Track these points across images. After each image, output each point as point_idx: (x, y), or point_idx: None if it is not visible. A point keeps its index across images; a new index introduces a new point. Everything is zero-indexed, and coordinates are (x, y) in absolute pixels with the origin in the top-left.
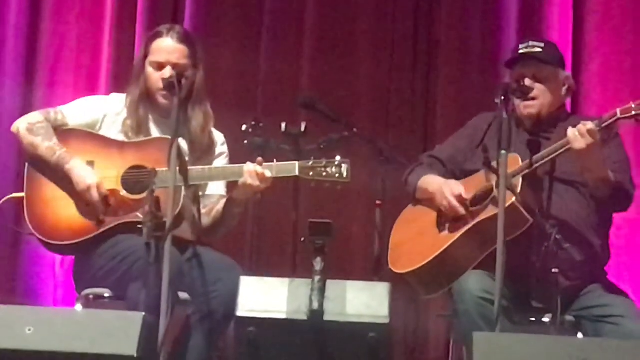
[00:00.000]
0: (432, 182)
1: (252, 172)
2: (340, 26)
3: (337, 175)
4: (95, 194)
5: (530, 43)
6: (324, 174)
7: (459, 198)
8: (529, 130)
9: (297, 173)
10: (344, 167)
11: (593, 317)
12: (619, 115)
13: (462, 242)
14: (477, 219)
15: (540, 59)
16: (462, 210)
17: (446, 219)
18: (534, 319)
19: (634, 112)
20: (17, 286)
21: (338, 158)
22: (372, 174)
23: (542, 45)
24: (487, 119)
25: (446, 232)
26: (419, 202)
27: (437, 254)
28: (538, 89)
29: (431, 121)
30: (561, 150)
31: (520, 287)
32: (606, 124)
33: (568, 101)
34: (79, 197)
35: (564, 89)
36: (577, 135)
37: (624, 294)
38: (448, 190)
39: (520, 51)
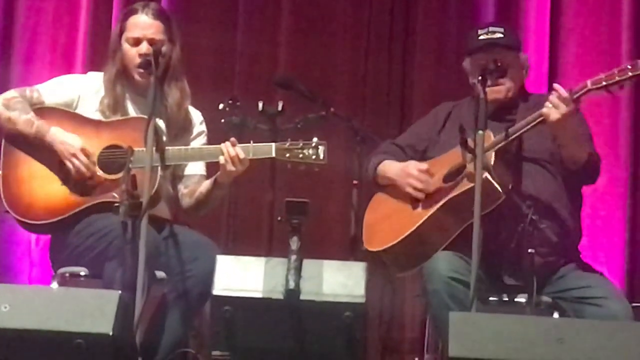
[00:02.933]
0: (392, 167)
1: (227, 158)
2: (318, 6)
3: (313, 157)
4: (82, 158)
5: (490, 29)
6: (301, 155)
7: (424, 175)
8: (492, 115)
9: (273, 154)
10: (321, 148)
11: (573, 298)
12: (589, 86)
13: (437, 218)
14: (451, 195)
15: (504, 44)
16: (429, 187)
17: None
18: (508, 299)
19: (604, 83)
20: None
21: (315, 139)
22: (348, 154)
23: (502, 30)
24: (447, 107)
25: (420, 209)
26: (383, 187)
27: (411, 230)
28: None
29: (407, 103)
30: (534, 123)
31: (493, 266)
32: (577, 95)
33: (545, 83)
34: (61, 169)
35: (524, 72)
36: (551, 106)
37: (601, 274)
38: (412, 169)
39: (481, 37)
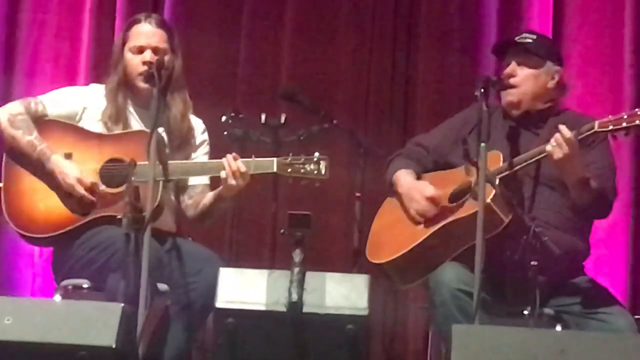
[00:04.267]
0: (402, 183)
1: (228, 172)
2: (320, 16)
3: (315, 172)
4: (79, 189)
5: (524, 35)
6: (302, 170)
7: (426, 202)
8: (516, 122)
9: (275, 169)
10: (323, 163)
11: (577, 312)
12: (596, 128)
13: (437, 238)
14: (452, 217)
15: (527, 48)
16: (433, 211)
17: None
18: (512, 311)
19: (611, 127)
20: None
21: (316, 154)
22: (351, 166)
23: (535, 37)
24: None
25: (422, 226)
26: (396, 194)
27: (411, 247)
28: (520, 76)
29: (410, 115)
30: (539, 157)
31: (497, 279)
32: (582, 136)
33: None
34: (62, 191)
35: (551, 83)
36: (555, 145)
37: (605, 289)
38: (417, 194)
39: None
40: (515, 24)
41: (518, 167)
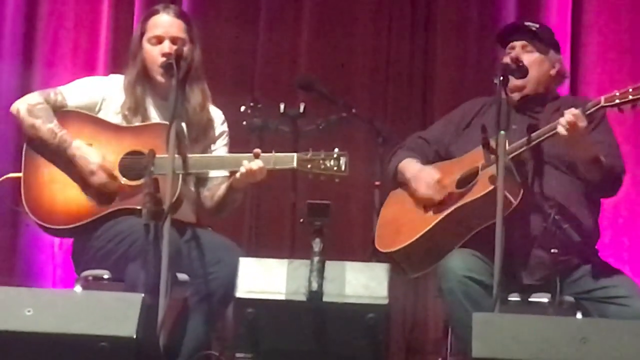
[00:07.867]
0: (409, 168)
1: (248, 169)
2: (339, 6)
3: (335, 168)
4: (102, 175)
5: (527, 23)
6: (322, 166)
7: (435, 185)
8: (516, 107)
9: (294, 165)
10: (342, 160)
11: (597, 298)
12: (602, 103)
13: (446, 224)
14: (460, 203)
15: (534, 32)
16: (437, 197)
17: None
18: (528, 299)
19: (617, 101)
20: (16, 267)
21: (337, 150)
22: (370, 155)
23: (538, 25)
24: (478, 103)
25: (430, 213)
26: (401, 184)
27: (420, 234)
28: (526, 61)
29: (429, 104)
30: (549, 134)
31: (512, 266)
32: (589, 111)
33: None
34: (82, 179)
35: (552, 71)
36: (565, 124)
37: (621, 272)
38: (424, 177)
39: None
40: (534, 10)
41: (534, 142)
